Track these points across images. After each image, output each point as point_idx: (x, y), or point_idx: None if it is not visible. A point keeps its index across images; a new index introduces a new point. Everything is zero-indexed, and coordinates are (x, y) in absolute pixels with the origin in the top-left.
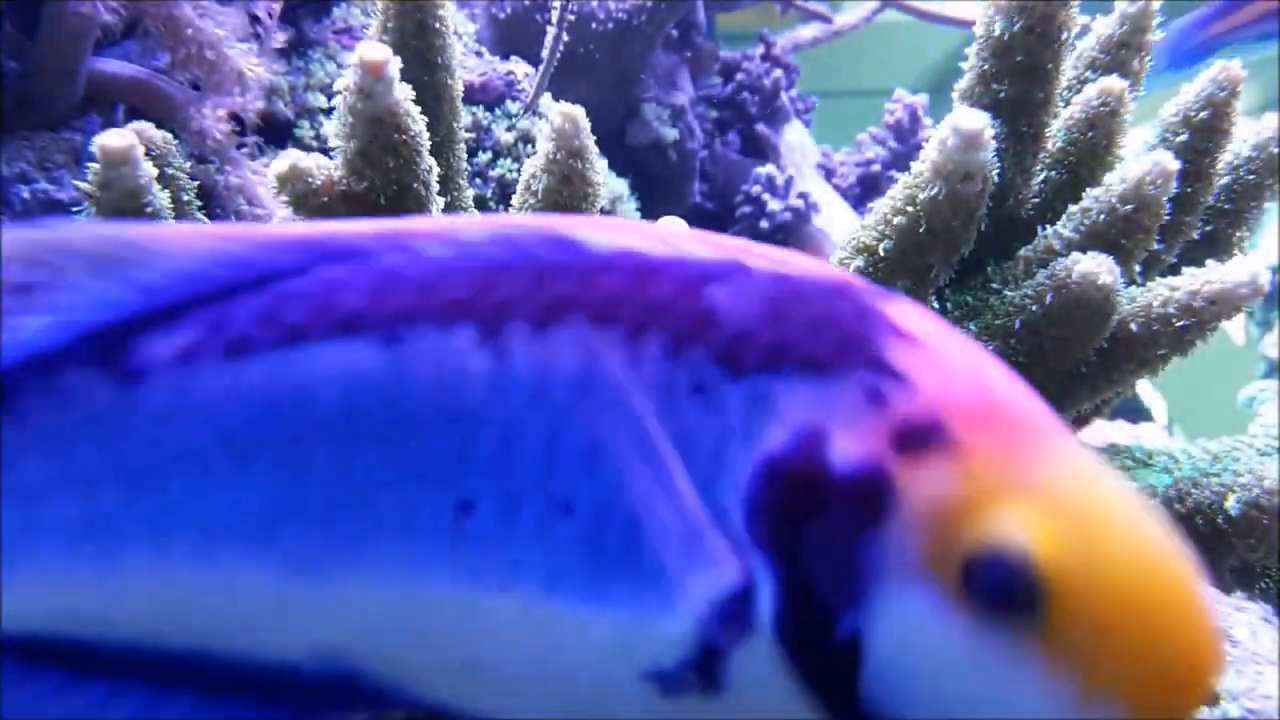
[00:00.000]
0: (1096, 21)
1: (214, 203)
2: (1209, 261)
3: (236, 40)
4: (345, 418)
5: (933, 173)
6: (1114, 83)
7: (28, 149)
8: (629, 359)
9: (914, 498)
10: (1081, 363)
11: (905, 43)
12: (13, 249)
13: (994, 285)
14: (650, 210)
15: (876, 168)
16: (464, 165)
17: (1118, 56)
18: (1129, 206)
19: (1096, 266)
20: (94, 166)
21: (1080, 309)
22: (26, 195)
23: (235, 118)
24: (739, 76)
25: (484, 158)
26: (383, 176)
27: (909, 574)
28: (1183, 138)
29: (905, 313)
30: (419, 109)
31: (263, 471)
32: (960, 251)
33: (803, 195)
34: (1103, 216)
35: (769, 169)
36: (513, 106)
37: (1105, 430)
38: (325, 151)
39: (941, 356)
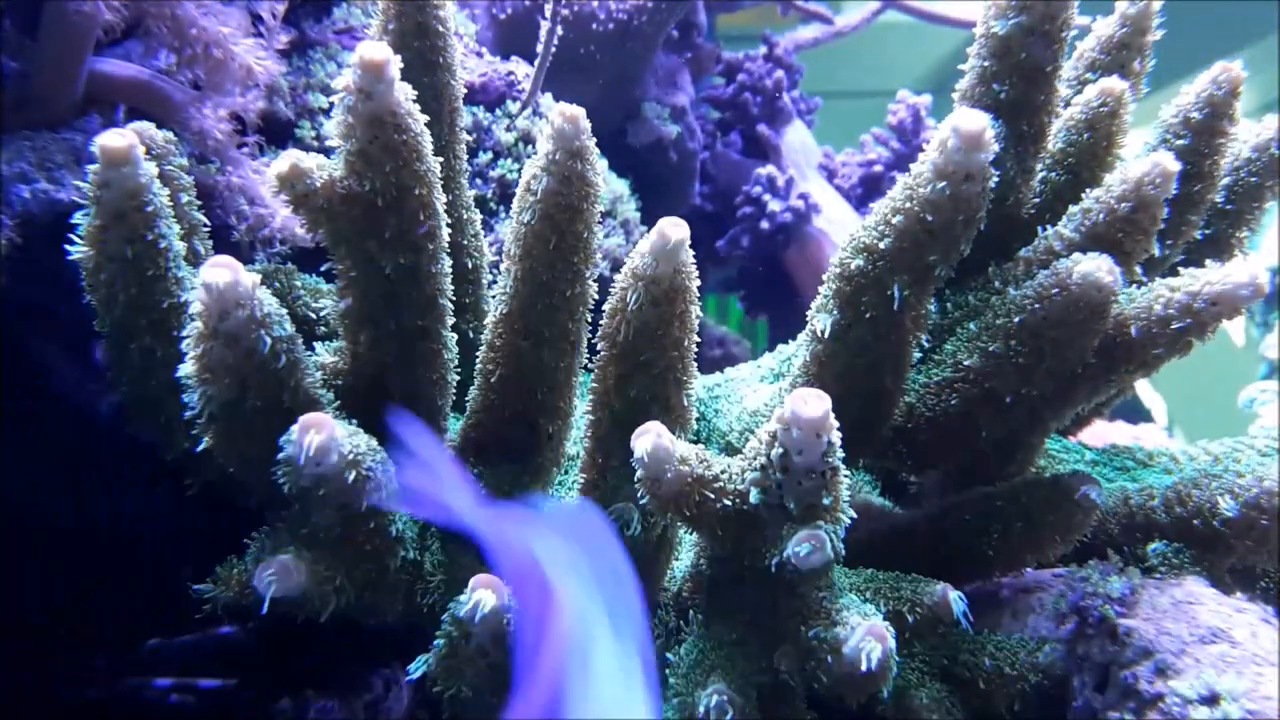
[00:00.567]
0: (1097, 22)
1: (214, 202)
2: (1209, 262)
3: (243, 37)
4: None
5: (933, 173)
6: (1114, 83)
7: (28, 149)
8: None
9: None
10: (1081, 363)
11: (906, 43)
12: None
13: (994, 285)
14: (650, 210)
15: (879, 168)
16: (465, 165)
17: (1118, 57)
18: (1129, 207)
19: (1097, 267)
20: (94, 167)
21: (1081, 309)
22: (27, 195)
23: (236, 117)
24: (741, 77)
25: (484, 158)
26: (383, 177)
27: None
28: (1183, 139)
29: None
30: (420, 109)
31: None
32: (961, 251)
33: (803, 196)
34: (1103, 217)
35: (769, 170)
36: (513, 107)
37: (1105, 431)
38: (326, 152)
39: None
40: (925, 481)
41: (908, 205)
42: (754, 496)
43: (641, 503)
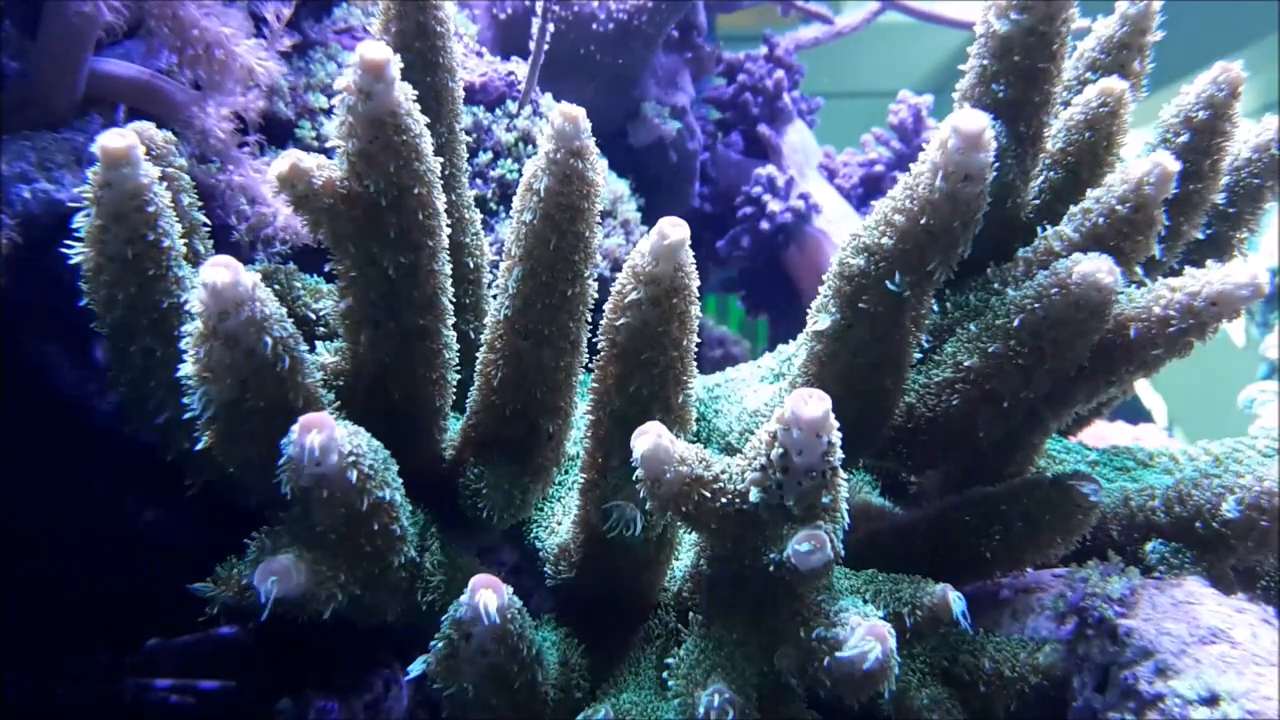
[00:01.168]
0: (1097, 23)
1: (215, 202)
2: (1210, 263)
3: (244, 38)
4: None
5: (933, 173)
6: (1114, 84)
7: (29, 149)
8: None
9: None
10: (1081, 363)
11: (907, 44)
12: None
13: (994, 286)
14: (651, 210)
15: (880, 168)
16: (465, 165)
17: (1118, 57)
18: (1129, 207)
19: (1097, 267)
20: (94, 167)
21: (1080, 309)
22: (27, 195)
23: (237, 117)
24: (741, 77)
25: (484, 158)
26: (383, 177)
27: None
28: (1183, 139)
29: None
30: (420, 109)
31: None
32: (960, 251)
33: (804, 196)
34: (1102, 217)
35: (770, 170)
36: (513, 106)
37: (1105, 431)
38: (327, 152)
39: None
40: (925, 482)
41: (908, 205)
42: (754, 496)
43: (641, 502)
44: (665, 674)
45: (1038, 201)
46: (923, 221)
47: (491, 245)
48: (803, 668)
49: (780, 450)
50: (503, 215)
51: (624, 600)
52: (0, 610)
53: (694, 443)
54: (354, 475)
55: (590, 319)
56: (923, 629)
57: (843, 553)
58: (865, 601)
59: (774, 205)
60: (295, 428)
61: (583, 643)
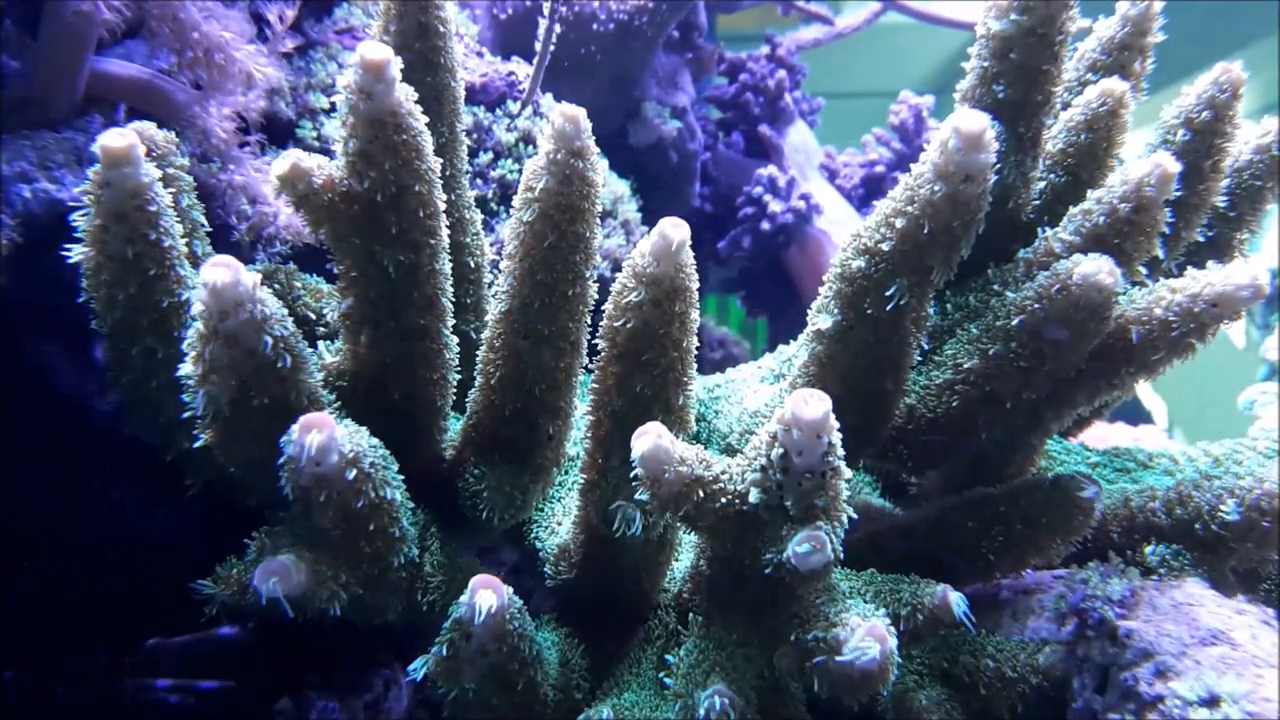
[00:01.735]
0: (1098, 23)
1: (216, 202)
2: (1210, 264)
3: (244, 43)
4: None
5: (934, 174)
6: (1115, 85)
7: (29, 148)
8: None
9: None
10: (1082, 364)
11: (908, 44)
12: None
13: (994, 287)
14: (651, 211)
15: (881, 169)
16: (465, 165)
17: (1118, 58)
18: (1129, 208)
19: (1097, 268)
20: (95, 167)
21: (1081, 311)
22: (28, 194)
23: (238, 117)
24: (743, 77)
25: (485, 158)
26: (383, 176)
27: None
28: (1184, 140)
29: None
30: (420, 110)
31: None
32: (961, 253)
33: (805, 196)
34: (1103, 218)
35: (771, 170)
36: (514, 107)
37: (1106, 432)
38: (328, 151)
39: None
40: (925, 483)
41: (908, 207)
42: (754, 497)
43: (641, 503)
44: (665, 674)
45: (1038, 203)
46: (923, 223)
47: (492, 245)
48: (802, 668)
49: (780, 451)
50: (503, 215)
51: (624, 601)
52: (0, 610)
53: (694, 443)
54: (354, 475)
55: (590, 319)
56: (923, 630)
57: (842, 554)
58: (865, 602)
59: (775, 206)
60: (295, 427)
61: (583, 643)
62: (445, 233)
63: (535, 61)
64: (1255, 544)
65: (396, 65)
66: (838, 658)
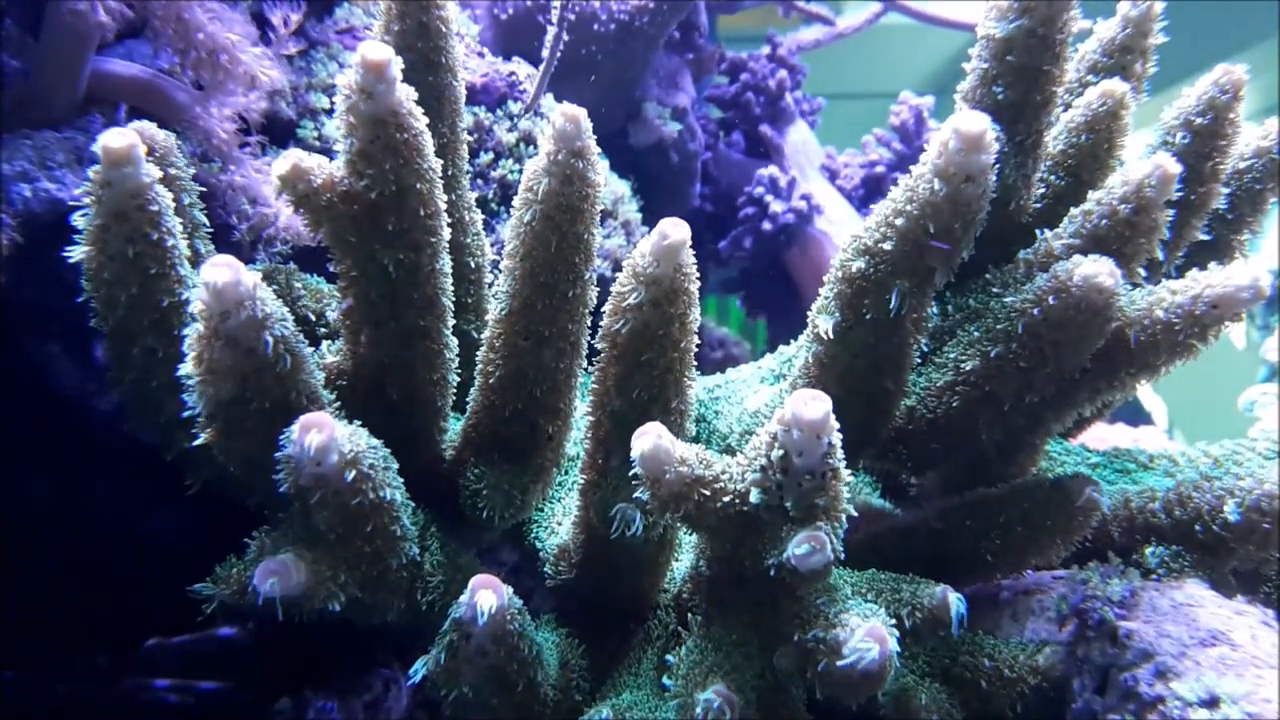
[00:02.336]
0: (1098, 25)
1: (216, 202)
2: (1211, 265)
3: (249, 45)
4: None
5: (934, 175)
6: (1115, 86)
7: (30, 147)
8: None
9: None
10: (1083, 366)
11: (909, 45)
12: None
13: (994, 288)
14: (651, 211)
15: (881, 169)
16: (466, 165)
17: (1119, 59)
18: (1130, 209)
19: (1098, 269)
20: (95, 167)
21: (1081, 311)
22: (28, 194)
23: (239, 118)
24: (744, 76)
25: (485, 158)
26: (384, 176)
27: None
28: (1184, 142)
29: None
30: (421, 110)
31: None
32: (962, 253)
33: (806, 197)
34: (1104, 220)
35: (772, 170)
36: (515, 107)
37: (1106, 433)
38: (328, 151)
39: None
40: (925, 483)
41: (909, 207)
42: (754, 497)
43: (641, 503)
44: (665, 675)
45: (1039, 204)
46: (923, 223)
47: (492, 245)
48: (802, 668)
49: (780, 451)
50: (504, 216)
51: (624, 601)
52: (0, 610)
53: (694, 444)
54: (353, 475)
55: (590, 320)
56: (923, 630)
57: (843, 554)
58: (865, 602)
59: (776, 206)
60: (295, 427)
61: (583, 643)
62: (446, 232)
63: (541, 69)
64: (1255, 545)
65: (397, 65)
66: (838, 658)
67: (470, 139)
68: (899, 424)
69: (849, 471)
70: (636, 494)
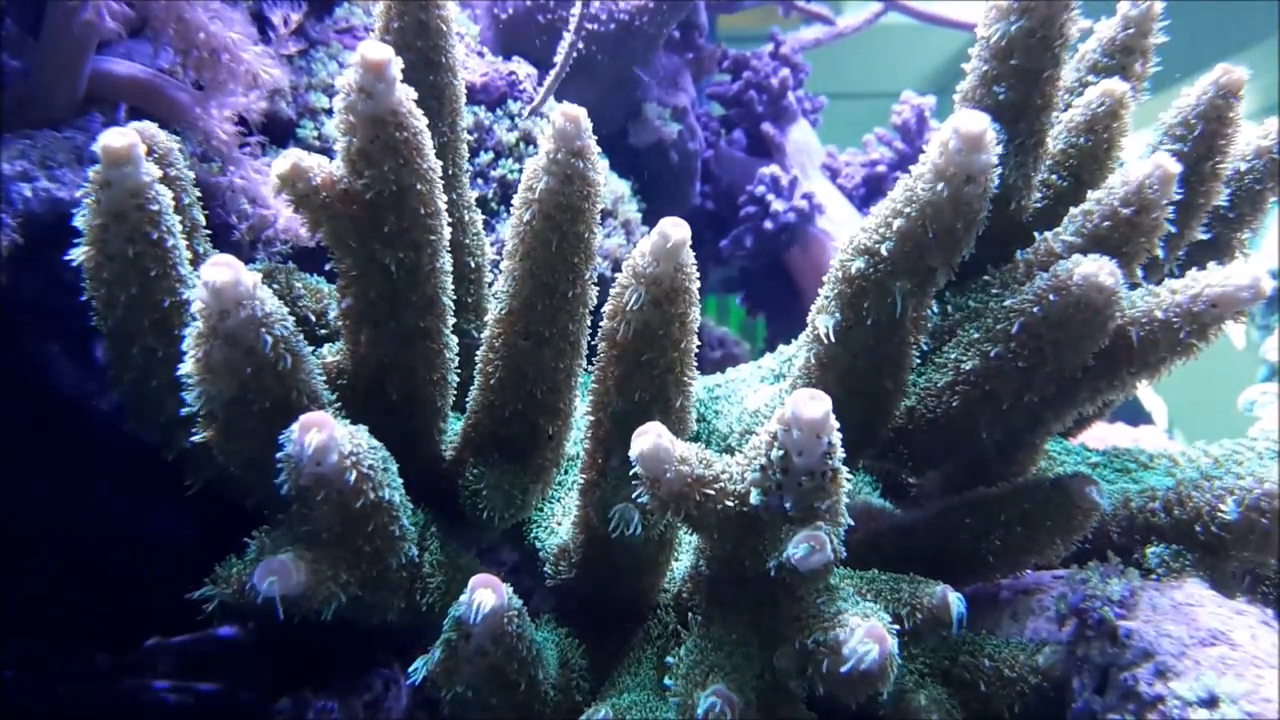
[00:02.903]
0: (1099, 25)
1: (216, 202)
2: (1211, 264)
3: (250, 44)
4: None
5: (934, 175)
6: (1115, 85)
7: (30, 147)
8: None
9: None
10: (1083, 365)
11: (908, 45)
12: None
13: (994, 288)
14: (651, 211)
15: (882, 168)
16: (466, 165)
17: (1120, 59)
18: (1130, 209)
19: (1098, 269)
20: (95, 166)
21: (1082, 311)
22: (28, 193)
23: (239, 118)
24: (747, 74)
25: (485, 158)
26: (384, 176)
27: None
28: (1184, 142)
29: None
30: (421, 110)
31: None
32: (962, 254)
33: (807, 196)
34: (1104, 220)
35: (773, 169)
36: (514, 107)
37: (1105, 433)
38: (328, 151)
39: None
40: (925, 483)
41: (908, 207)
42: (754, 497)
43: (641, 503)
44: (665, 675)
45: (1039, 204)
46: (923, 224)
47: (492, 245)
48: (802, 668)
49: (780, 451)
50: (504, 215)
51: (624, 601)
52: (0, 610)
53: (693, 443)
54: (353, 475)
55: (590, 320)
56: (923, 630)
57: (843, 554)
58: (865, 602)
59: (778, 205)
60: (295, 427)
61: (583, 643)
62: (446, 232)
63: (551, 75)
64: (1255, 545)
65: (397, 65)
66: (838, 658)
67: (470, 139)
68: (899, 424)
69: (848, 472)
70: (636, 494)
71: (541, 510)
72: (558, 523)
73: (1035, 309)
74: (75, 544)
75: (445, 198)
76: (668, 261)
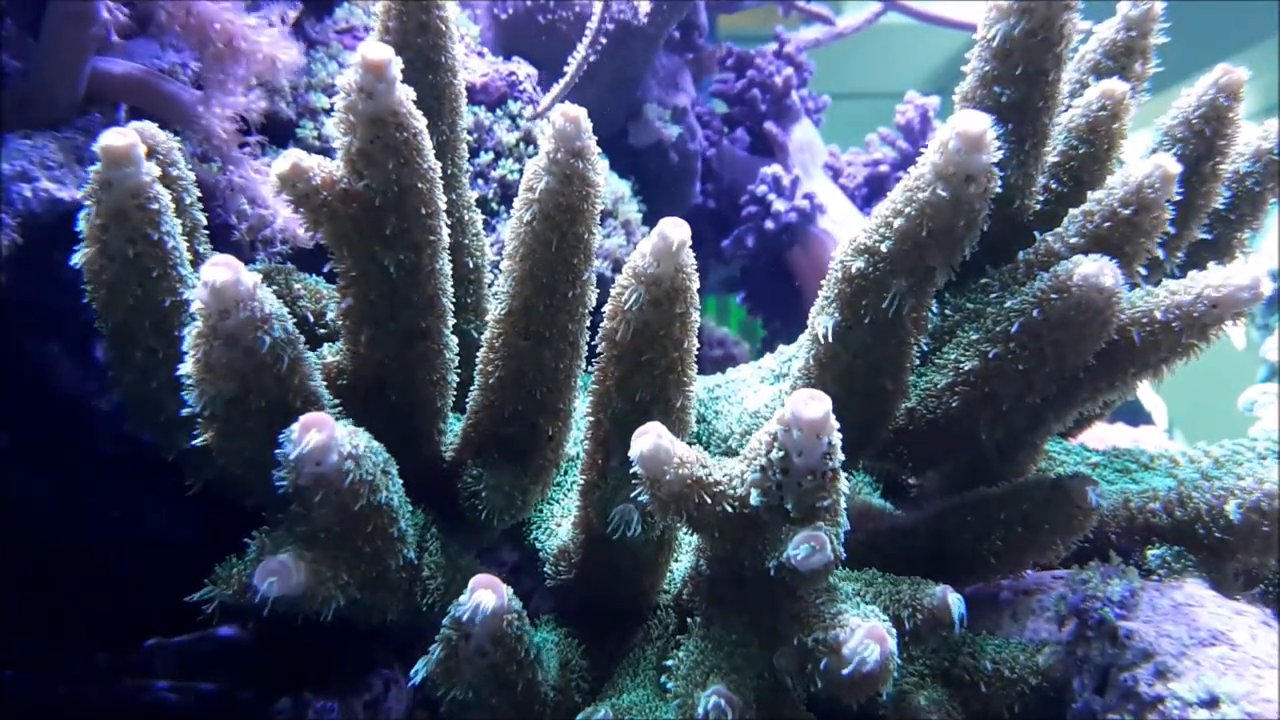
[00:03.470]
0: (1099, 25)
1: (215, 202)
2: (1211, 264)
3: (264, 28)
4: None
5: (934, 175)
6: (1115, 86)
7: (30, 147)
8: None
9: None
10: (1083, 365)
11: (908, 45)
12: None
13: (994, 289)
14: (651, 211)
15: (884, 168)
16: (466, 165)
17: (1120, 60)
18: (1130, 209)
19: (1099, 269)
20: (95, 166)
21: (1082, 311)
22: (28, 194)
23: (239, 118)
24: (750, 73)
25: (485, 158)
26: (383, 176)
27: None
28: (1184, 142)
29: None
30: (421, 110)
31: None
32: (962, 254)
33: (809, 196)
34: (1105, 220)
35: (775, 169)
36: (514, 107)
37: (1106, 433)
38: (328, 151)
39: None
40: (925, 483)
41: (908, 208)
42: (754, 498)
43: (641, 503)
44: (664, 675)
45: (1039, 205)
46: (923, 224)
47: (492, 245)
48: (802, 669)
49: (780, 452)
50: (504, 215)
51: (624, 601)
52: (0, 610)
53: (693, 444)
54: (353, 476)
55: (590, 320)
56: (923, 630)
57: (843, 554)
58: (865, 603)
59: (779, 205)
60: (295, 427)
61: (583, 644)
62: (446, 232)
63: (563, 81)
64: (1256, 546)
65: (397, 65)
66: (838, 659)
67: (470, 139)
68: (899, 424)
69: (848, 472)
70: (636, 495)
71: (541, 511)
72: (558, 523)
73: (1035, 310)
74: (75, 544)
75: (445, 198)
76: (668, 262)
